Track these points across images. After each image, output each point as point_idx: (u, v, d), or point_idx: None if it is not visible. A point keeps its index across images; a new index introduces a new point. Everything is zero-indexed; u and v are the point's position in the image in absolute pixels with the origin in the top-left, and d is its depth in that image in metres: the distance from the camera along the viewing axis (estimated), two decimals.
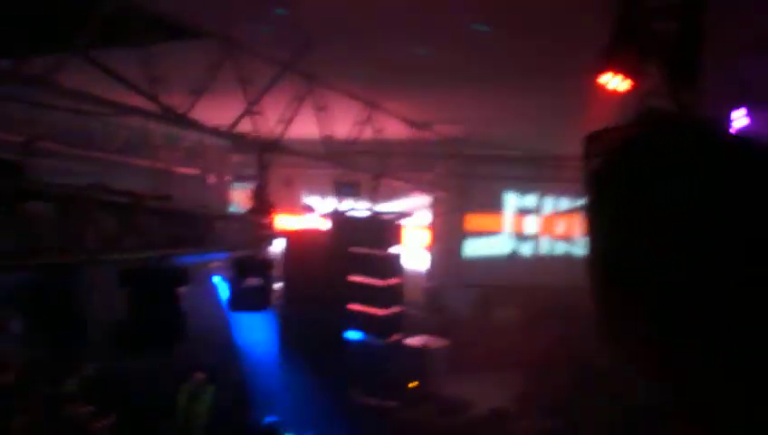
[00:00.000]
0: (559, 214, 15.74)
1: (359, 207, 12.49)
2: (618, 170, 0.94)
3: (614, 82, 4.64)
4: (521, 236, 15.94)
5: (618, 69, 4.58)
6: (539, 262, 15.57)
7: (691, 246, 0.85)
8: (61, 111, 7.65)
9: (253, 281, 9.47)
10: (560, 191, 14.97)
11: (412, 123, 12.30)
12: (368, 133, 11.49)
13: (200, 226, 7.65)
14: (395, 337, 11.90)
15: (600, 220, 0.95)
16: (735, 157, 0.88)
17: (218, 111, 8.90)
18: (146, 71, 7.50)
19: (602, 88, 4.84)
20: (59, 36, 5.94)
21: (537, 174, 13.04)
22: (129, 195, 6.36)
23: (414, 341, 12.53)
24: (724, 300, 0.85)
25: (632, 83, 4.59)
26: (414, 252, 14.79)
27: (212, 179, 14.26)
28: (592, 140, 1.03)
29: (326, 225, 12.37)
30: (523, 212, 15.92)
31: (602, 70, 4.66)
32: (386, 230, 12.23)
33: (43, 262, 5.65)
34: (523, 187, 15.27)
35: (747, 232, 0.84)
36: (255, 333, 11.35)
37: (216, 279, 11.48)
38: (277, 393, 10.41)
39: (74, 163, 10.92)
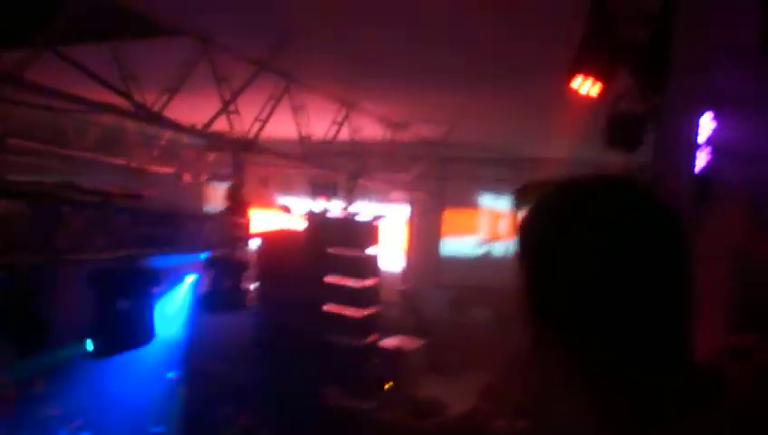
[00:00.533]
0: None
1: (335, 208, 12.45)
2: (535, 222, 1.07)
3: (585, 85, 4.68)
4: (495, 238, 16.01)
5: (588, 73, 4.62)
6: (510, 263, 15.62)
7: (598, 291, 0.99)
8: (31, 107, 7.51)
9: (227, 281, 9.39)
10: None
11: (389, 123, 12.29)
12: (345, 134, 11.46)
13: (173, 225, 7.56)
14: (371, 338, 11.88)
15: (525, 266, 1.09)
16: (633, 214, 1.01)
17: (194, 110, 8.80)
18: (119, 68, 7.39)
19: (576, 91, 4.88)
20: (27, 30, 5.82)
21: (513, 176, 13.09)
22: (100, 193, 6.26)
23: (390, 342, 12.52)
24: (630, 334, 1.00)
25: (603, 87, 4.63)
26: (390, 253, 14.78)
27: (187, 178, 14.10)
28: (521, 192, 1.12)
29: (302, 225, 12.30)
30: (498, 213, 15.99)
31: (574, 73, 4.69)
32: (363, 231, 12.20)
33: (11, 262, 5.54)
34: (499, 189, 15.33)
35: (644, 280, 0.99)
36: (229, 333, 11.25)
37: (190, 278, 11.37)
38: (251, 394, 10.34)
39: (45, 161, 10.74)
